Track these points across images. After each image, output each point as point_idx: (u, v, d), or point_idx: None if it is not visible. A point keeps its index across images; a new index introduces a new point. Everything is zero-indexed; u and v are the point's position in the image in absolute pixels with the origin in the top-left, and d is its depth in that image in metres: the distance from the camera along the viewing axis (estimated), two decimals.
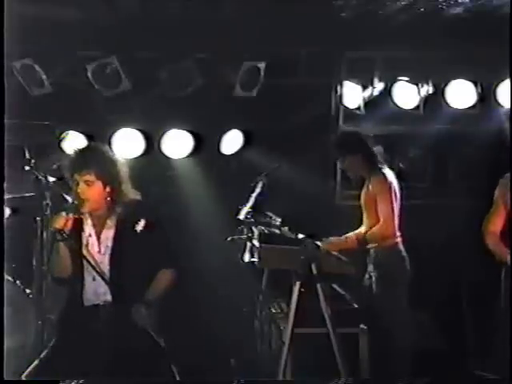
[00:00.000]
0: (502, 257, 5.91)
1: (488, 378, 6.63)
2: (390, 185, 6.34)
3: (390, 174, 6.40)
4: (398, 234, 6.37)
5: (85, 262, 5.11)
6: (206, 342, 7.08)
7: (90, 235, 5.25)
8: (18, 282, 6.66)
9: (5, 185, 5.85)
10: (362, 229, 6.49)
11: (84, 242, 5.21)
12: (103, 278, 5.04)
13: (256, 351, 6.80)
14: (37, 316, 6.48)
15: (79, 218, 5.21)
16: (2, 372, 5.05)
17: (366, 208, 6.45)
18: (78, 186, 5.18)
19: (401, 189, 6.42)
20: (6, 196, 6.28)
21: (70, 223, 5.06)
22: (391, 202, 6.31)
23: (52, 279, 5.41)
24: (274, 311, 6.63)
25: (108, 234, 5.24)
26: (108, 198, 5.24)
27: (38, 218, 6.52)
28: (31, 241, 6.63)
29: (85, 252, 5.14)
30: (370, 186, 6.38)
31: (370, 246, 6.40)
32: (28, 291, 6.68)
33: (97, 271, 5.03)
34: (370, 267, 6.42)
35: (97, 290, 5.16)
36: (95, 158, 5.27)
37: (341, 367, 5.47)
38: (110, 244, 5.21)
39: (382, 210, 6.31)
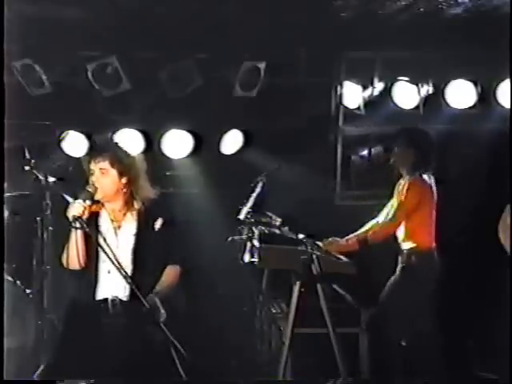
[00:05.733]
0: None
1: (488, 378, 6.63)
2: (424, 188, 6.39)
3: (428, 179, 6.42)
4: (434, 238, 6.40)
5: (102, 255, 5.10)
6: (206, 342, 7.07)
7: (107, 229, 5.25)
8: (18, 282, 6.66)
9: (5, 185, 5.86)
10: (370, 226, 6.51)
11: (101, 235, 5.19)
12: (121, 272, 5.01)
13: (256, 351, 6.81)
14: (37, 316, 6.48)
15: (96, 210, 5.22)
16: (2, 372, 5.06)
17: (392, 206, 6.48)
18: (94, 175, 5.21)
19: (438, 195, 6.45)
20: (6, 195, 6.29)
21: (87, 211, 5.08)
22: (415, 205, 6.32)
23: (63, 270, 5.36)
24: (274, 311, 6.64)
25: (128, 229, 5.26)
26: (124, 190, 5.25)
27: (38, 218, 6.54)
28: (31, 241, 6.64)
29: (103, 244, 5.12)
30: (404, 187, 6.39)
31: (405, 246, 6.40)
32: (28, 291, 6.68)
33: (114, 264, 5.00)
34: (399, 267, 6.41)
35: (111, 284, 5.17)
36: (109, 147, 5.42)
37: (341, 367, 5.48)
38: (131, 240, 5.23)
39: (396, 209, 6.34)
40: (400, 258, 6.44)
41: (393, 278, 6.40)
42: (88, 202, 5.09)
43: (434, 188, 6.46)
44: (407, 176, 6.46)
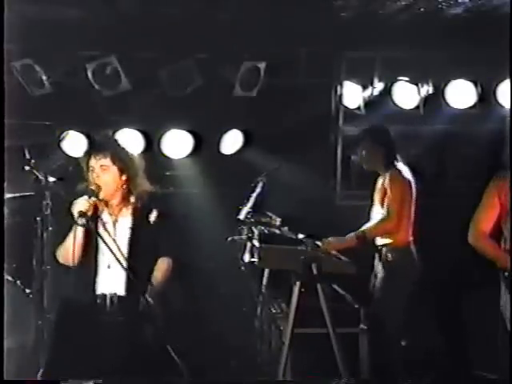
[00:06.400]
0: (498, 258, 5.59)
1: (488, 378, 6.63)
2: (405, 182, 6.40)
3: (406, 171, 6.44)
4: (411, 233, 6.41)
5: (101, 250, 5.13)
6: (205, 342, 7.07)
7: (106, 223, 5.25)
8: (18, 282, 6.66)
9: (5, 185, 5.85)
10: (367, 225, 6.52)
11: (101, 229, 5.20)
12: (122, 266, 5.03)
13: (256, 351, 6.80)
14: (37, 316, 6.48)
15: (98, 206, 5.23)
16: (2, 372, 5.05)
17: (377, 203, 6.48)
18: (94, 172, 5.21)
19: (416, 186, 6.46)
20: (7, 196, 6.29)
21: (92, 208, 5.09)
22: (401, 199, 6.35)
23: (63, 270, 5.37)
24: (273, 311, 6.63)
25: (124, 223, 5.27)
26: (124, 187, 5.27)
27: (38, 218, 6.54)
28: (31, 241, 6.64)
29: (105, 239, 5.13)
30: (385, 181, 6.41)
31: (380, 242, 6.42)
32: (28, 291, 6.68)
33: (117, 257, 5.01)
34: (379, 266, 6.42)
35: (110, 279, 5.18)
36: (110, 144, 5.43)
37: (341, 367, 5.47)
38: (127, 233, 5.25)
39: (388, 205, 6.36)
40: (377, 257, 6.46)
41: (378, 279, 6.41)
42: (93, 199, 5.10)
43: (414, 183, 6.46)
44: (382, 172, 6.49)
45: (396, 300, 6.33)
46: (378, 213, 6.49)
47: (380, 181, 6.52)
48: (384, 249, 6.44)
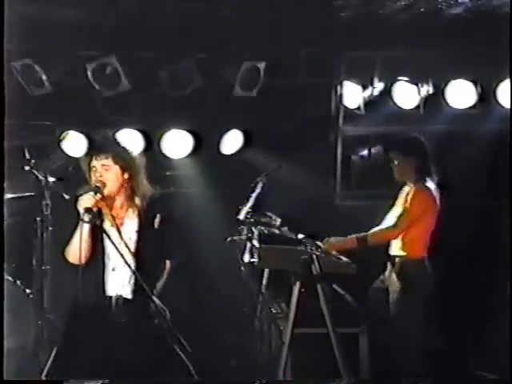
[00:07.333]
0: None
1: (488, 378, 6.64)
2: (428, 200, 6.35)
3: (433, 189, 6.39)
4: (425, 248, 6.38)
5: (106, 252, 5.12)
6: (206, 342, 7.07)
7: (111, 225, 5.24)
8: (18, 281, 6.66)
9: (5, 185, 5.86)
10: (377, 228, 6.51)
11: (107, 230, 5.18)
12: (130, 267, 5.04)
13: (256, 351, 6.81)
14: (37, 316, 6.49)
15: (101, 206, 5.20)
16: (2, 372, 5.06)
17: (397, 208, 6.44)
18: (96, 171, 5.20)
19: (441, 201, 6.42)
20: (7, 196, 6.30)
21: (97, 204, 5.07)
22: (417, 215, 6.29)
23: (63, 270, 5.36)
24: (274, 311, 6.63)
25: (130, 226, 5.26)
26: (126, 185, 5.26)
27: (38, 218, 6.55)
28: (31, 241, 6.65)
29: (107, 241, 5.13)
30: (410, 194, 6.37)
31: (394, 252, 6.39)
32: (28, 291, 6.69)
33: (124, 258, 5.02)
34: (393, 276, 6.38)
35: (115, 282, 5.17)
36: (111, 145, 5.40)
37: (341, 367, 5.48)
38: (133, 237, 5.23)
39: (400, 215, 6.32)
40: (389, 266, 6.43)
41: (393, 290, 6.37)
42: (99, 195, 5.09)
43: (438, 198, 6.42)
44: (411, 184, 6.43)
45: (408, 309, 6.30)
46: (393, 216, 6.45)
47: (406, 189, 6.46)
48: (397, 259, 6.39)
